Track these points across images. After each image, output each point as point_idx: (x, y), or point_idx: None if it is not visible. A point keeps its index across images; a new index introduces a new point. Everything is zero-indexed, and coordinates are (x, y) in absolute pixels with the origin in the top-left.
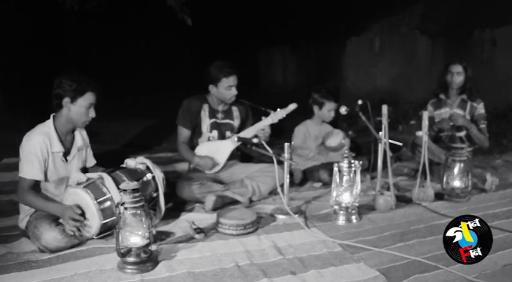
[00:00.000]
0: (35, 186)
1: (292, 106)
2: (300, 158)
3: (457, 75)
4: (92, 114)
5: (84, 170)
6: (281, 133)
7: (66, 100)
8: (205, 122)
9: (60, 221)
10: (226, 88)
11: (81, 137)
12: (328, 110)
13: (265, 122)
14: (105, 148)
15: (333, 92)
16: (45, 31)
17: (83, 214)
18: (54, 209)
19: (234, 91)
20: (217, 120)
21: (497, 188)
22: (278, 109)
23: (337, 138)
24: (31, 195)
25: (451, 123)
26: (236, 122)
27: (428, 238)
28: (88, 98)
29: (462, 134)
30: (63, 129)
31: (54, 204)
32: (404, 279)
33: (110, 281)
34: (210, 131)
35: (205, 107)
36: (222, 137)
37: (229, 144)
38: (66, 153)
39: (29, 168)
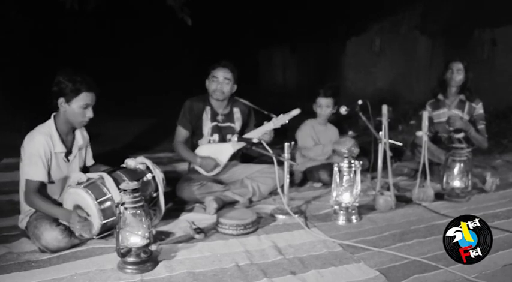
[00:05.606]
0: (42, 187)
1: (295, 111)
2: (304, 158)
3: (457, 72)
4: (89, 114)
5: (85, 169)
6: (282, 133)
7: (61, 100)
8: (207, 125)
9: (60, 221)
10: (211, 79)
11: (81, 136)
12: (318, 104)
13: (267, 127)
14: (105, 148)
15: (330, 88)
16: (45, 31)
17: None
18: (61, 214)
19: (214, 85)
20: (219, 124)
21: (497, 188)
22: (281, 114)
23: (347, 145)
24: (38, 199)
25: (447, 127)
26: (237, 124)
27: (428, 238)
28: (83, 99)
29: (460, 135)
30: (64, 129)
31: (61, 209)
32: (404, 279)
33: (109, 281)
34: (211, 135)
35: (208, 109)
36: (222, 140)
37: (230, 147)
38: (67, 153)
39: (34, 169)
